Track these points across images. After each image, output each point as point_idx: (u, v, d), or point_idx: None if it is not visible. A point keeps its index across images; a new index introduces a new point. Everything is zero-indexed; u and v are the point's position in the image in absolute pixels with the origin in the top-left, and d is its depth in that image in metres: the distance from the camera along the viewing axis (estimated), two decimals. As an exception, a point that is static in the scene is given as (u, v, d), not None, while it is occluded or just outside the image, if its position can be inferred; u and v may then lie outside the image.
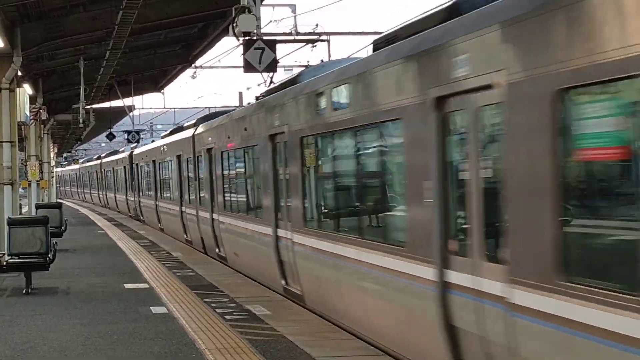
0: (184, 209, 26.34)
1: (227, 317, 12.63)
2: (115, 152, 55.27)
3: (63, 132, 50.00)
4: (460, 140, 8.22)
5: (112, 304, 14.17)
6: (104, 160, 57.74)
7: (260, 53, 15.17)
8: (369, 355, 10.02)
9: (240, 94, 50.81)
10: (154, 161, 33.00)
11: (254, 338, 10.96)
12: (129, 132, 48.34)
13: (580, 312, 5.96)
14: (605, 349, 5.74)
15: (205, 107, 58.61)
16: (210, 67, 37.38)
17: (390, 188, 10.32)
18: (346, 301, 11.57)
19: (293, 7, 28.04)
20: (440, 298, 8.45)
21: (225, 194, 20.10)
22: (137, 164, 39.22)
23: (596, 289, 5.86)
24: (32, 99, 27.16)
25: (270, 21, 28.02)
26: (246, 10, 14.21)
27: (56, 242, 17.58)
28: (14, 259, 16.03)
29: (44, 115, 31.89)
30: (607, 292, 5.73)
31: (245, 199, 18.29)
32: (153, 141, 41.76)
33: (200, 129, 23.37)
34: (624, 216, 5.87)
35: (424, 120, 8.68)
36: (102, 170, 57.93)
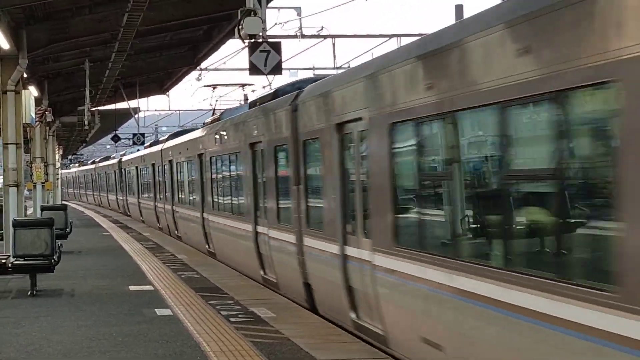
0: (157, 204, 34.75)
1: (232, 319, 12.63)
2: (108, 158, 64.50)
3: (68, 134, 50.09)
4: (259, 165, 16.95)
5: (116, 306, 14.18)
6: (98, 165, 66.74)
7: (265, 55, 15.16)
8: (374, 358, 10.02)
9: (245, 95, 50.78)
10: (136, 167, 41.33)
11: (258, 340, 10.97)
12: (134, 135, 48.51)
13: (272, 234, 15.69)
14: (283, 246, 14.94)
15: (210, 110, 58.67)
16: (216, 69, 37.41)
17: (239, 187, 19.12)
18: (228, 251, 20.64)
19: (298, 10, 28.02)
20: (254, 239, 17.27)
21: (179, 193, 28.85)
22: (124, 169, 47.44)
23: (279, 225, 14.95)
24: (38, 101, 27.22)
25: (276, 23, 27.97)
26: (251, 12, 14.20)
27: (61, 244, 17.58)
28: (19, 260, 16.05)
29: (49, 117, 31.98)
30: (283, 226, 15.06)
31: (188, 196, 26.78)
32: (138, 150, 49.22)
33: (165, 145, 32.24)
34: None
35: (247, 154, 17.77)
36: (97, 173, 67.33)
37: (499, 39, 7.40)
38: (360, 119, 11.04)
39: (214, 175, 22.22)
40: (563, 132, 6.62)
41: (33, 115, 25.55)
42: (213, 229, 22.35)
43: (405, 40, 28.10)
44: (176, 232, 29.62)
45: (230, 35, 23.80)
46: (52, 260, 16.14)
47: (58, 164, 53.78)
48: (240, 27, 14.34)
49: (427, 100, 8.86)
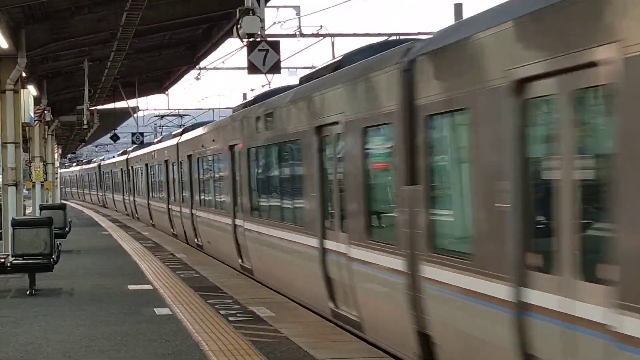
0: (124, 197, 47.68)
1: (231, 318, 12.63)
2: (90, 162, 79.37)
3: (67, 133, 50.02)
4: (170, 171, 30.15)
5: (115, 305, 14.18)
6: (83, 167, 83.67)
7: (264, 54, 15.14)
8: (373, 357, 10.02)
9: (244, 95, 50.83)
10: (111, 170, 54.76)
11: (257, 340, 10.96)
12: (133, 134, 48.50)
13: (173, 208, 30.33)
14: (177, 214, 28.68)
15: (210, 109, 58.69)
16: (215, 68, 37.40)
17: (161, 183, 32.23)
18: (159, 221, 33.49)
19: (297, 9, 27.99)
20: (167, 212, 30.67)
21: (138, 189, 41.21)
22: (103, 172, 61.64)
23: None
24: (37, 100, 27.18)
25: (275, 22, 27.94)
26: (250, 11, 14.19)
27: (60, 243, 17.58)
28: (18, 260, 16.04)
29: (48, 117, 31.94)
30: (177, 203, 28.62)
31: (142, 191, 39.09)
32: (113, 156, 62.91)
33: (130, 155, 44.69)
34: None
35: (163, 167, 31.33)
36: (81, 174, 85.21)
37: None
38: (191, 155, 25.05)
39: (153, 179, 35.51)
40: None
41: (32, 115, 25.52)
42: (153, 210, 35.52)
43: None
44: (137, 215, 42.80)
45: (229, 34, 23.80)
46: (51, 260, 16.14)
47: (57, 164, 53.77)
48: (238, 26, 14.34)
49: (202, 149, 23.20)
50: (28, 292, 15.85)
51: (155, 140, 38.59)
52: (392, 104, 9.77)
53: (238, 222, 18.52)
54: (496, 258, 7.35)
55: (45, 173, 33.71)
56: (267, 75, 17.92)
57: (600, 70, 5.80)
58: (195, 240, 24.98)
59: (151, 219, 36.31)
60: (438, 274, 8.59)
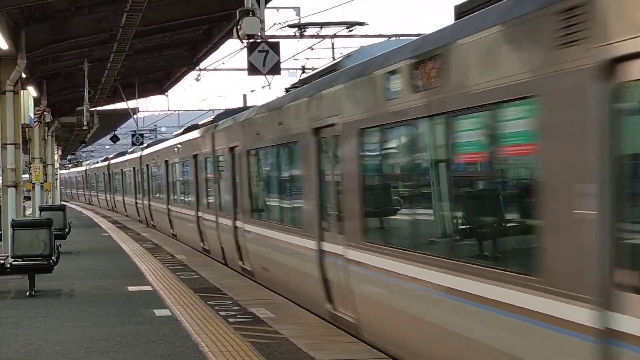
0: (106, 196, 59.04)
1: (231, 319, 12.62)
2: (77, 165, 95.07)
3: (67, 134, 50.04)
4: (140, 177, 40.74)
5: (115, 307, 14.17)
6: (71, 170, 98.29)
7: (264, 55, 15.13)
8: (374, 358, 10.01)
9: (245, 96, 50.86)
10: (95, 173, 68.10)
11: (257, 341, 10.95)
12: (133, 135, 48.55)
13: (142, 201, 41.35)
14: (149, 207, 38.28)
15: (210, 110, 58.73)
16: (215, 69, 37.41)
17: (127, 184, 45.78)
18: (133, 212, 43.99)
19: (297, 10, 28.00)
20: (135, 205, 42.49)
21: (114, 189, 52.59)
22: (88, 174, 74.58)
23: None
24: (37, 101, 27.16)
25: (275, 24, 28.01)
26: (250, 12, 14.18)
27: (60, 245, 17.56)
28: (17, 261, 16.03)
29: (48, 118, 31.90)
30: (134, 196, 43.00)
31: (118, 189, 50.54)
32: (97, 162, 74.27)
33: (111, 161, 54.95)
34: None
35: (132, 173, 43.34)
36: (69, 176, 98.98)
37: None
38: (148, 164, 36.07)
39: (125, 180, 45.69)
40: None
41: (32, 116, 25.50)
42: (127, 204, 46.08)
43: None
44: (115, 208, 53.48)
45: (229, 35, 23.78)
46: (51, 261, 16.12)
47: (57, 165, 53.79)
48: (239, 27, 14.33)
49: (153, 161, 35.18)
50: (28, 294, 15.83)
51: (131, 151, 48.45)
52: (210, 149, 21.44)
53: (169, 207, 30.18)
54: (227, 209, 19.43)
55: (45, 174, 33.68)
56: (267, 76, 17.90)
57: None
58: (151, 222, 36.30)
59: (125, 210, 47.69)
60: (222, 220, 20.19)
